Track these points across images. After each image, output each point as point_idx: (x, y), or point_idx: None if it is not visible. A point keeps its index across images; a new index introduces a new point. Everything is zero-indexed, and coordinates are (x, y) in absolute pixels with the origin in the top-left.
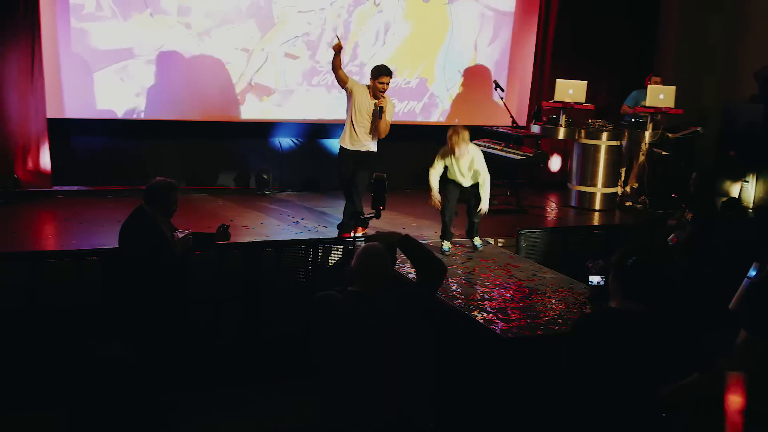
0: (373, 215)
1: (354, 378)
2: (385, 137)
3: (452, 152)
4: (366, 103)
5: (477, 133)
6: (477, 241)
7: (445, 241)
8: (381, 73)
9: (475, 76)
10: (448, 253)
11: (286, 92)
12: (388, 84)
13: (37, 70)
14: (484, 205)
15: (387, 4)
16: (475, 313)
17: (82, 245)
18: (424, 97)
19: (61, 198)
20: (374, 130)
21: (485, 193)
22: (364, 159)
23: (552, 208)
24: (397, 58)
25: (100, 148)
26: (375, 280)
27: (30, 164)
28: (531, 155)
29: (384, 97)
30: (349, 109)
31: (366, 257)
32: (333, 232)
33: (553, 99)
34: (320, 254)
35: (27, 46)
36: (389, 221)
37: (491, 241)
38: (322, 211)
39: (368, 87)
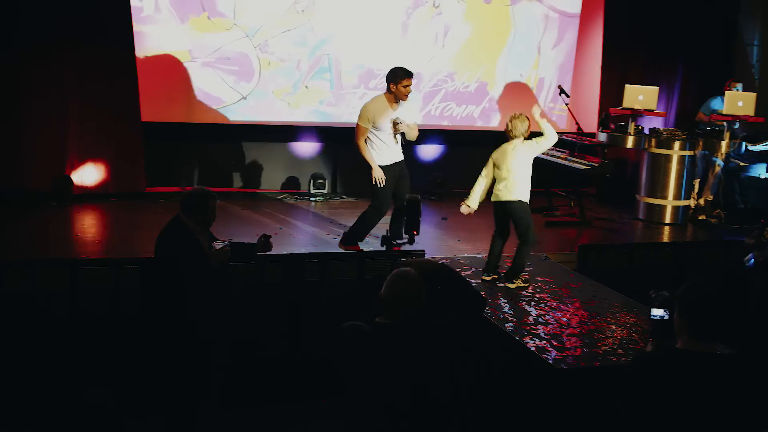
0: (405, 241)
1: (382, 411)
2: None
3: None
4: (388, 115)
5: None
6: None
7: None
8: (405, 75)
9: (538, 81)
10: (488, 280)
11: (342, 95)
12: (410, 86)
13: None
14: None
15: (446, 6)
16: (527, 339)
17: (125, 252)
18: (484, 101)
19: (114, 201)
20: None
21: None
22: (403, 167)
23: (618, 221)
24: (456, 62)
25: (153, 151)
26: (405, 311)
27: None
28: (597, 165)
29: (401, 122)
30: (375, 128)
31: (397, 285)
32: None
33: (621, 105)
34: (368, 268)
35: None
36: (443, 232)
37: (549, 256)
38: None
39: (386, 96)
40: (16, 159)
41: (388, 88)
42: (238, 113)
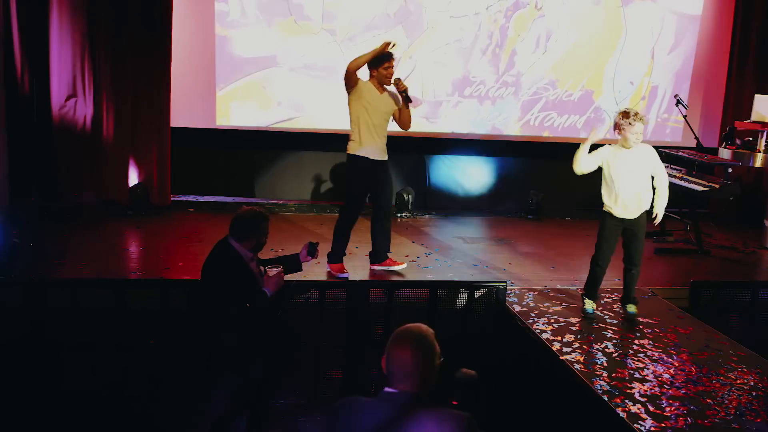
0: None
1: None
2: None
3: (623, 138)
4: (379, 100)
5: None
6: (631, 308)
7: (588, 300)
8: (384, 57)
9: (651, 89)
10: (591, 315)
11: (434, 104)
12: (393, 68)
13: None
14: (659, 209)
15: (550, 8)
16: (617, 401)
17: (185, 269)
18: (588, 111)
19: (193, 212)
20: (400, 122)
21: (663, 196)
22: (386, 170)
23: (742, 250)
24: (559, 68)
25: (234, 159)
26: (414, 382)
27: (157, 176)
28: (718, 187)
29: (400, 79)
30: (356, 113)
31: (405, 347)
32: (466, 273)
33: (750, 118)
34: (440, 299)
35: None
36: (532, 252)
37: (656, 292)
38: (462, 238)
39: (371, 82)
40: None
41: (370, 74)
42: (324, 122)
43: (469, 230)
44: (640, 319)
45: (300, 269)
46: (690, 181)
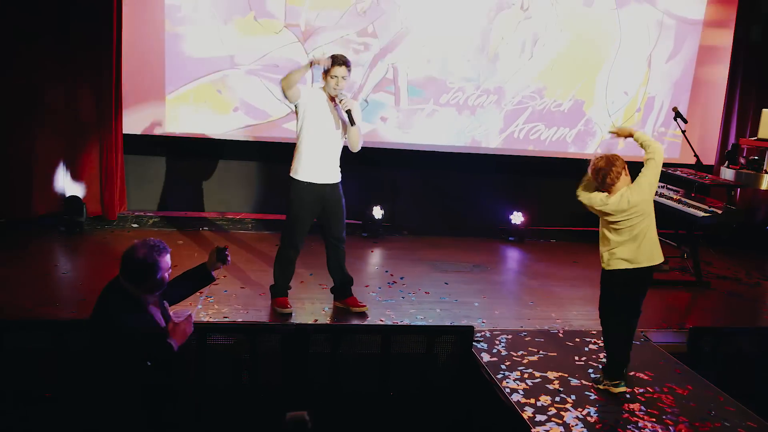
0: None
1: None
2: (358, 150)
3: (604, 188)
4: (329, 112)
5: None
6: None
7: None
8: (334, 61)
9: (647, 100)
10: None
11: (408, 112)
12: (344, 78)
13: (114, 82)
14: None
15: (537, 9)
16: None
17: None
18: (579, 123)
19: (136, 227)
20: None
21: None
22: (336, 193)
23: (746, 282)
24: (547, 75)
25: (185, 169)
26: None
27: (99, 188)
28: (720, 212)
29: (344, 96)
30: (299, 126)
31: None
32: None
33: (756, 135)
34: (393, 346)
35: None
36: (509, 282)
37: (649, 337)
38: (433, 263)
39: (323, 89)
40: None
41: (324, 79)
42: (285, 129)
43: (441, 254)
44: (632, 374)
45: (211, 280)
46: (689, 205)
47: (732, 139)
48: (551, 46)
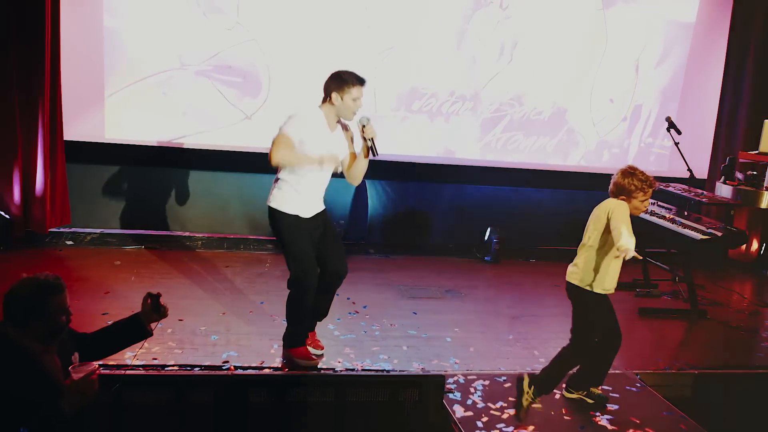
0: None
1: None
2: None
3: (637, 209)
4: (327, 140)
5: None
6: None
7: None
8: (356, 80)
9: (634, 108)
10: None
11: (377, 119)
12: (361, 100)
13: (52, 86)
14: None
15: (517, 8)
16: None
17: None
18: (560, 132)
19: (71, 245)
20: (348, 172)
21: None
22: (327, 217)
23: (743, 311)
24: (527, 81)
25: (125, 180)
26: None
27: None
28: (719, 234)
29: (367, 121)
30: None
31: None
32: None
33: (757, 149)
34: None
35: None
36: (486, 311)
37: (645, 380)
38: (402, 287)
39: (324, 110)
40: None
41: (327, 98)
42: (239, 137)
43: (410, 276)
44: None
45: (147, 335)
46: (685, 226)
47: (723, 152)
48: (532, 49)
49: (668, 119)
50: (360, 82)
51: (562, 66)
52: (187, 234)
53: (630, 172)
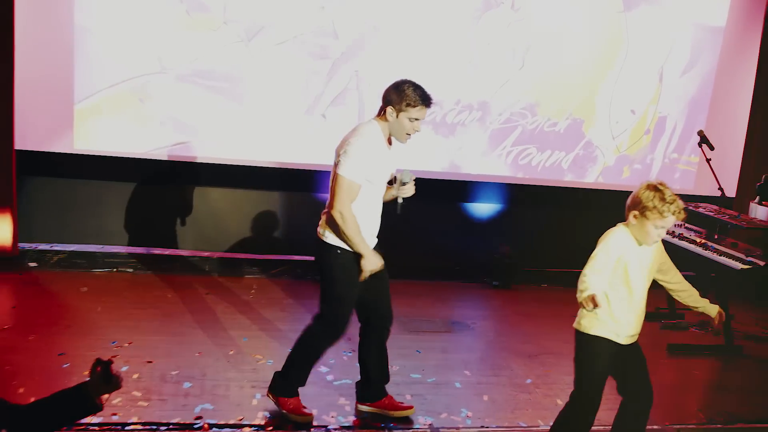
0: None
1: None
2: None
3: (654, 235)
4: (388, 158)
5: None
6: None
7: None
8: (422, 99)
9: (658, 120)
10: None
11: None
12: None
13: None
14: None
15: (530, 11)
16: None
17: None
18: (578, 146)
19: (35, 267)
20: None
21: (692, 292)
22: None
23: None
24: (540, 89)
25: (98, 195)
26: None
27: None
28: (762, 263)
29: (405, 184)
30: (351, 179)
31: None
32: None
33: None
34: None
35: None
36: (495, 356)
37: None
38: (399, 319)
39: (380, 124)
40: None
41: (383, 111)
42: (224, 148)
43: (412, 305)
44: None
45: (95, 409)
46: (719, 252)
47: (754, 169)
48: (545, 54)
49: (700, 133)
50: (425, 102)
51: (579, 73)
52: (165, 253)
53: (656, 186)
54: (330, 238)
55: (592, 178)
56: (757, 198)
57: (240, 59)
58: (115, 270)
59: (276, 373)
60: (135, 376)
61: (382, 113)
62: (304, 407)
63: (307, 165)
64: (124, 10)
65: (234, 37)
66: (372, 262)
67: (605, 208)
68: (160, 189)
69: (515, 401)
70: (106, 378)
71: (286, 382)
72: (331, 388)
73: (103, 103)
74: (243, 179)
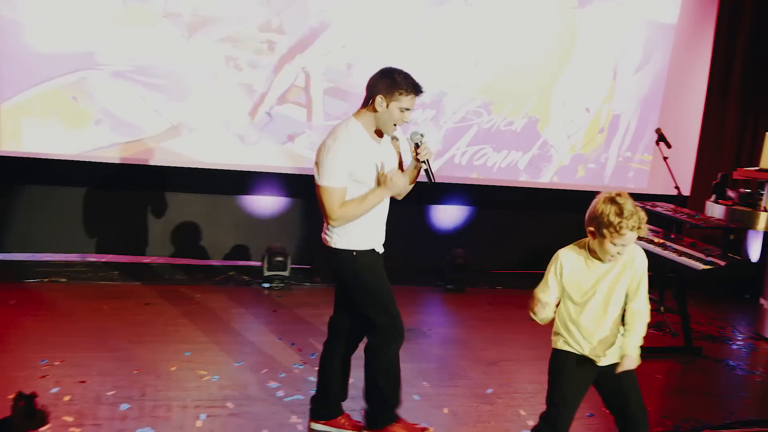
0: None
1: None
2: None
3: (610, 252)
4: (379, 153)
5: None
6: None
7: None
8: (410, 87)
9: (612, 119)
10: None
11: (323, 130)
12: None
13: None
14: (631, 350)
15: (484, 5)
16: None
17: None
18: (534, 146)
19: None
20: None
21: (638, 332)
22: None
23: (739, 346)
24: (495, 87)
25: (31, 200)
26: None
27: None
28: (723, 263)
29: (421, 140)
30: (354, 190)
31: None
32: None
33: (758, 165)
34: None
35: None
36: (451, 365)
37: None
38: None
39: (362, 119)
40: None
41: (370, 101)
42: (163, 149)
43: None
44: None
45: None
46: (679, 253)
47: (707, 167)
48: (499, 51)
49: (658, 131)
50: (416, 90)
51: (534, 70)
52: (102, 261)
53: (612, 198)
54: (341, 243)
55: (547, 178)
56: (714, 196)
57: (180, 55)
58: (46, 280)
59: (370, 411)
60: (66, 398)
61: (369, 104)
62: (416, 424)
63: (251, 166)
64: (55, 1)
65: (174, 32)
66: (395, 185)
67: (560, 208)
68: (96, 192)
69: (477, 413)
70: (29, 414)
71: (386, 411)
72: (281, 405)
73: (34, 101)
74: (184, 181)
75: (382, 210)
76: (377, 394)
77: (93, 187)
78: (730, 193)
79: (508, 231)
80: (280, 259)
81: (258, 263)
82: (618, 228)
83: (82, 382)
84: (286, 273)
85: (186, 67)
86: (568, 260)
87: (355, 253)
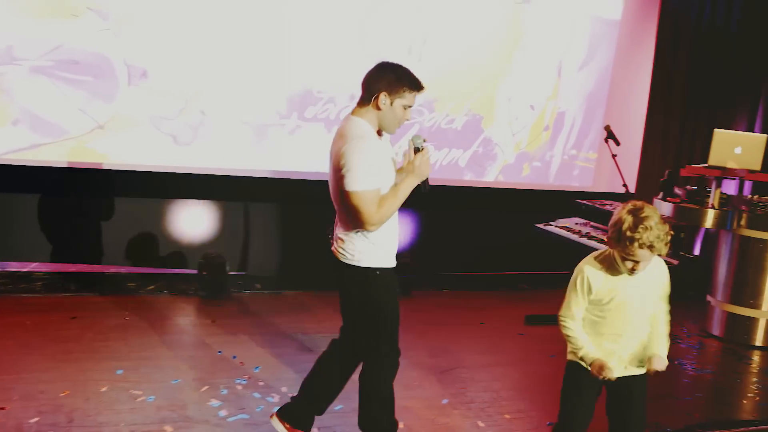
0: None
1: None
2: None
3: (626, 265)
4: (389, 153)
5: (562, 209)
6: None
7: None
8: (413, 84)
9: (557, 116)
10: None
11: (261, 128)
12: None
13: None
14: (661, 350)
15: (427, 1)
16: None
17: None
18: (475, 143)
19: None
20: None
21: (664, 334)
22: None
23: (690, 344)
24: (438, 84)
25: None
26: None
27: None
28: (675, 262)
29: (421, 142)
30: (363, 185)
31: None
32: None
33: (695, 162)
34: None
35: None
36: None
37: None
38: (303, 340)
39: (367, 116)
40: None
41: (373, 99)
42: (89, 150)
43: (307, 318)
44: None
45: None
46: None
47: (651, 164)
48: (442, 46)
49: (607, 128)
50: (418, 87)
51: (478, 67)
52: (23, 270)
53: (633, 209)
54: (365, 260)
55: (491, 176)
56: (661, 194)
57: (106, 49)
58: None
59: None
60: None
61: (373, 101)
62: None
63: (186, 168)
64: None
65: (99, 24)
66: (422, 171)
67: (505, 207)
68: (15, 196)
69: (433, 426)
70: None
71: (299, 407)
72: (224, 427)
73: None
74: (111, 184)
75: (392, 231)
76: (375, 422)
77: (11, 191)
78: (677, 191)
79: (452, 231)
80: (217, 265)
81: (194, 271)
82: (629, 249)
83: (2, 408)
84: (224, 280)
85: (112, 63)
86: (594, 276)
87: (378, 272)
